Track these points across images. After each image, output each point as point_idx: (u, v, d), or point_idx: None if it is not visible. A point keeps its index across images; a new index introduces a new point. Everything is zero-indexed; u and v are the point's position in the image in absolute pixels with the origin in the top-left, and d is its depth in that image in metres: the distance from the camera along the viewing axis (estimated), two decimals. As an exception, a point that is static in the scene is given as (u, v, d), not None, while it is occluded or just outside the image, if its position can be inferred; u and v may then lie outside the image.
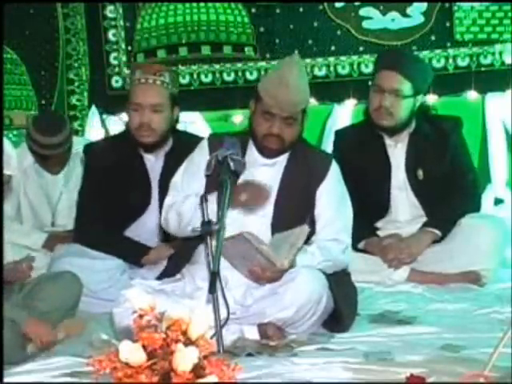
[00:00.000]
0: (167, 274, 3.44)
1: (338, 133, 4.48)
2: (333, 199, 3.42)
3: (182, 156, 3.56)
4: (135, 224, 3.98)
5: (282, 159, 3.41)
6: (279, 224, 3.30)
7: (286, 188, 3.38)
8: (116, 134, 4.29)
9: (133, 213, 3.98)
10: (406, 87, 4.07)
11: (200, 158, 3.40)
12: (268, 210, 3.34)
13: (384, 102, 4.07)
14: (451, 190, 4.15)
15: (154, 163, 4.00)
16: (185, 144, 3.79)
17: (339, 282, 3.33)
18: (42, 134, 4.19)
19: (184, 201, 3.33)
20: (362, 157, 4.19)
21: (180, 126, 4.82)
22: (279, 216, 3.33)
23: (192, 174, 3.40)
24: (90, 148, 4.13)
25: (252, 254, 3.16)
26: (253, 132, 3.40)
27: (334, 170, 3.47)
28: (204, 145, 3.45)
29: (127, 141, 3.98)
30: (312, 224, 3.34)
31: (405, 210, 4.20)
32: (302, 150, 3.43)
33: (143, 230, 3.97)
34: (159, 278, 3.46)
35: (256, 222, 3.30)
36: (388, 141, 4.20)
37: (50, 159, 4.33)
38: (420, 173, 4.16)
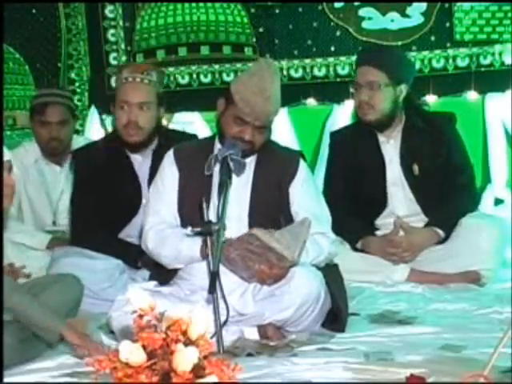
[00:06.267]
0: (155, 279, 3.43)
1: (332, 134, 4.52)
2: (310, 194, 3.40)
3: None
4: (128, 225, 3.99)
5: (251, 160, 3.34)
6: (255, 225, 3.20)
7: (258, 188, 3.34)
8: (102, 137, 4.31)
9: (126, 214, 3.98)
10: (380, 78, 4.10)
11: (166, 171, 3.39)
12: (243, 211, 3.31)
13: (361, 96, 4.12)
14: (449, 185, 4.17)
15: (141, 163, 4.00)
16: (171, 141, 3.81)
17: (331, 274, 3.33)
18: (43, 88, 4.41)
19: (163, 243, 3.30)
20: (356, 155, 4.24)
21: (178, 127, 4.82)
22: (255, 218, 3.29)
23: (161, 193, 3.38)
24: (77, 153, 4.15)
25: (261, 252, 3.09)
26: (221, 132, 3.34)
27: (304, 166, 3.45)
28: (170, 155, 3.43)
29: (113, 143, 4.01)
30: (290, 222, 3.30)
31: (402, 205, 4.21)
32: (270, 150, 3.39)
33: (136, 231, 3.96)
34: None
35: (232, 225, 3.18)
36: (381, 137, 4.23)
37: (52, 131, 4.34)
38: (415, 168, 4.17)
